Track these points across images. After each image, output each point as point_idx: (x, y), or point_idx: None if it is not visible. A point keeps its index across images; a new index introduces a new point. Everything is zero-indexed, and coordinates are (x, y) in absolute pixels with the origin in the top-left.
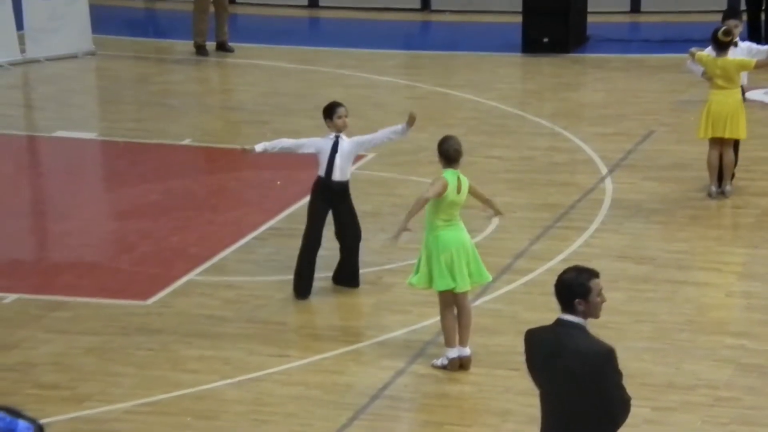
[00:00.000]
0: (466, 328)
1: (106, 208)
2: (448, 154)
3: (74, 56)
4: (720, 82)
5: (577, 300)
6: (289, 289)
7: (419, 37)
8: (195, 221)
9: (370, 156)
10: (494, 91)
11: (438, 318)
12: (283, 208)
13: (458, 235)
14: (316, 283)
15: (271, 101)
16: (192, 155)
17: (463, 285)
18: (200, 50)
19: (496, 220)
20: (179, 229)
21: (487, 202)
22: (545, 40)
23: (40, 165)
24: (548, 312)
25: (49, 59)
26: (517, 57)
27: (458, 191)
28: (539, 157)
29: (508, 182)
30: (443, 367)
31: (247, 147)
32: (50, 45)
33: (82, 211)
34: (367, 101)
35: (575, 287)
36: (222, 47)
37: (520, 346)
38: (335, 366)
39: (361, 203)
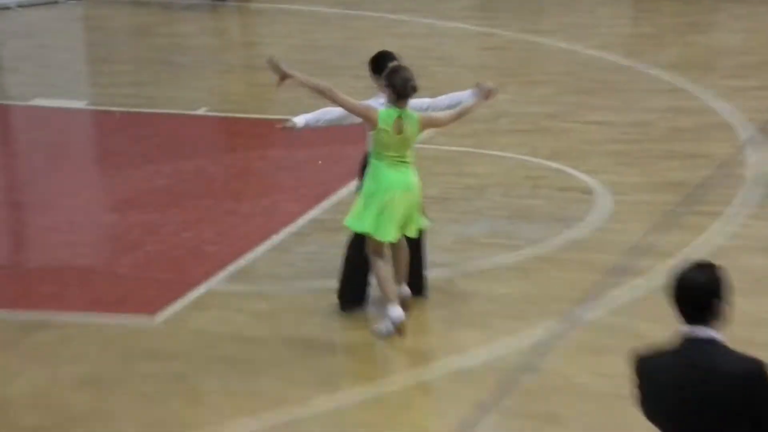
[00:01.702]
0: (400, 263)
1: (101, 196)
2: (398, 89)
3: (55, 1)
4: None
5: (712, 306)
6: (337, 299)
7: None
8: (214, 212)
9: None
10: (596, 37)
11: (526, 332)
12: (326, 194)
13: (405, 178)
14: (371, 291)
15: (308, 57)
16: (208, 128)
17: (393, 233)
18: None
19: (611, 204)
20: (194, 223)
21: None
22: None
23: (15, 142)
24: (674, 322)
25: (21, 5)
26: None
27: (399, 132)
28: (657, 121)
29: (615, 155)
30: (389, 334)
31: (287, 123)
32: None
33: (69, 200)
34: (429, 55)
35: (710, 288)
36: None
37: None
38: (399, 400)
39: (424, 186)
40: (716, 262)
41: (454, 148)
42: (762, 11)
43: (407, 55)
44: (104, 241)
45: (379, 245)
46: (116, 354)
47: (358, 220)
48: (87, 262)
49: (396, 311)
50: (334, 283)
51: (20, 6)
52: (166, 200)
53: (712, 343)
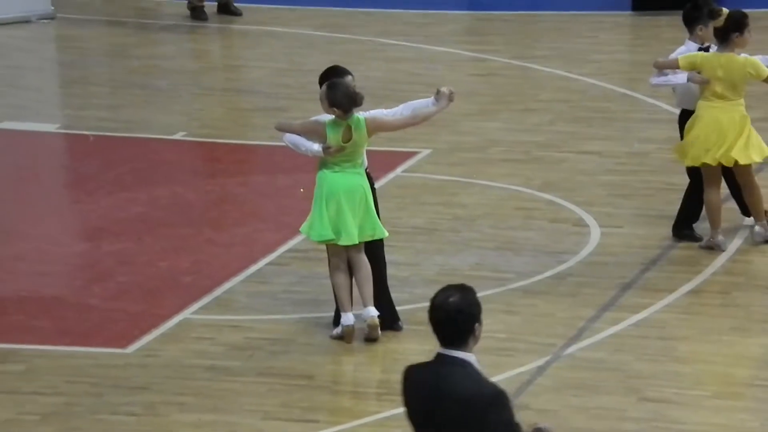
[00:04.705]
0: (364, 285)
1: (72, 224)
2: (343, 105)
3: (26, 20)
4: None
5: (466, 329)
6: (316, 332)
7: None
8: (191, 241)
9: (423, 153)
10: (592, 63)
11: (513, 371)
12: None
13: (351, 180)
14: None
15: (292, 81)
16: (186, 153)
17: (349, 238)
18: (196, 13)
19: (605, 237)
20: (170, 253)
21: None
22: None
23: None
24: (670, 362)
25: None
26: (624, 16)
27: (348, 140)
28: (655, 152)
29: (610, 187)
30: (340, 338)
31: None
32: None
33: (38, 228)
34: (418, 80)
35: (466, 312)
36: (226, 9)
37: (632, 409)
38: None
39: (410, 216)
40: (714, 298)
41: (442, 177)
42: (765, 39)
43: (395, 80)
44: (75, 271)
45: (336, 251)
46: (86, 386)
47: (310, 228)
48: (56, 293)
49: (347, 318)
50: (312, 315)
51: None
52: (141, 229)
53: (460, 364)
